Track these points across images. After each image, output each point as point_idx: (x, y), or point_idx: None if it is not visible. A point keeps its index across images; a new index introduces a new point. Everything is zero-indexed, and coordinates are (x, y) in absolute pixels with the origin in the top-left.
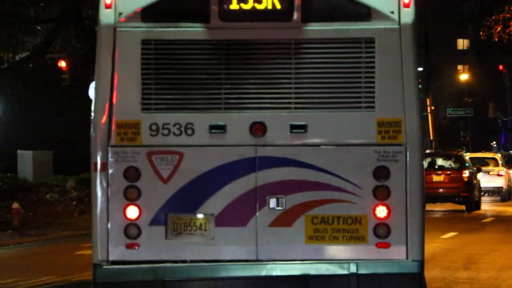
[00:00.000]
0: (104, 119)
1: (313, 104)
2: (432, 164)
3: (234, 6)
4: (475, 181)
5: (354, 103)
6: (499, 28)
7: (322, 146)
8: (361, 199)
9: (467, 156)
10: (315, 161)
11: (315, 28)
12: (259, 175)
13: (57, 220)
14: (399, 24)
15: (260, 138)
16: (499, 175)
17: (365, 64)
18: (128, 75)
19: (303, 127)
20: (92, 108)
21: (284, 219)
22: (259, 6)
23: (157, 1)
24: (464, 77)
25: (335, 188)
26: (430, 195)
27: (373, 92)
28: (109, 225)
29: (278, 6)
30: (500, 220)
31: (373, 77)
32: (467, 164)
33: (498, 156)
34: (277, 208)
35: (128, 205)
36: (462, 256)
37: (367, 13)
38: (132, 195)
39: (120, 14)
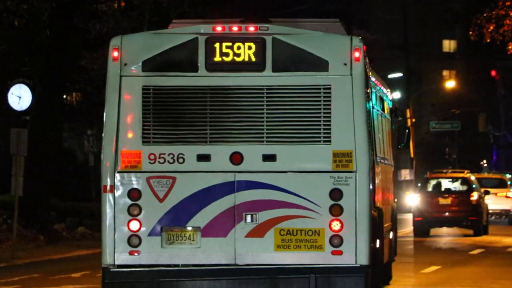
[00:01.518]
0: (112, 149)
1: (281, 138)
2: (438, 186)
3: (217, 58)
4: (483, 205)
5: (314, 138)
6: (491, 27)
7: (288, 172)
8: (319, 215)
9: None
10: (283, 184)
11: (283, 77)
12: (237, 196)
13: None
14: (351, 74)
15: (238, 166)
16: (507, 197)
17: (323, 106)
18: (131, 114)
19: (273, 157)
20: (103, 139)
21: (257, 231)
22: (237, 59)
23: (154, 54)
24: (450, 84)
25: (299, 206)
26: (437, 219)
27: (330, 129)
28: (115, 236)
29: (253, 59)
30: (490, 252)
31: (329, 117)
32: (474, 186)
33: (506, 177)
34: (251, 222)
35: (131, 220)
36: None
37: (325, 65)
38: (134, 212)
39: (125, 65)
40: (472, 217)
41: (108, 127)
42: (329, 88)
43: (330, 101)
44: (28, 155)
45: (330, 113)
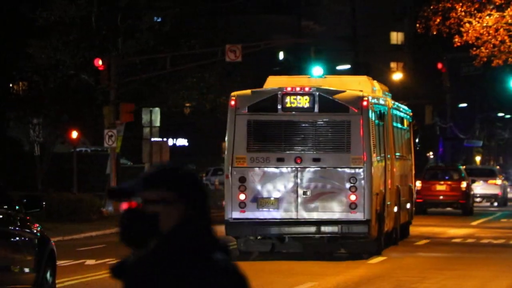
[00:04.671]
0: (230, 153)
1: (323, 149)
2: (435, 175)
3: (288, 105)
4: (470, 191)
5: (341, 149)
6: (438, 20)
7: (326, 168)
8: (344, 192)
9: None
10: (323, 175)
11: (324, 115)
12: (298, 181)
13: None
14: (362, 114)
15: (299, 164)
16: (496, 184)
17: (346, 131)
18: (241, 135)
19: (319, 160)
20: (226, 149)
21: (309, 200)
22: (299, 105)
23: (254, 103)
24: (397, 76)
25: (332, 186)
26: (433, 201)
27: (350, 144)
28: (232, 201)
29: (308, 105)
30: (435, 243)
31: (349, 137)
32: (463, 175)
33: (495, 168)
34: (306, 196)
35: (240, 193)
36: (391, 283)
37: (347, 109)
38: (242, 189)
39: (238, 109)
40: (462, 201)
41: (229, 142)
42: (349, 122)
43: (350, 129)
44: None
45: (350, 135)
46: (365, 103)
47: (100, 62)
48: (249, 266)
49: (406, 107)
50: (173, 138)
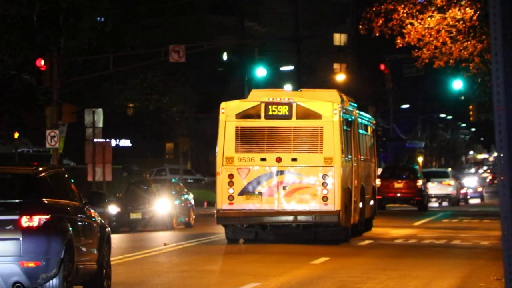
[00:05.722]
0: (220, 154)
1: (299, 150)
2: (393, 174)
3: (270, 113)
4: (426, 189)
5: (315, 150)
6: (380, 21)
7: (303, 166)
8: (317, 187)
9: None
10: (300, 172)
11: (301, 121)
12: (279, 178)
13: None
14: (332, 121)
15: (279, 163)
16: (449, 184)
17: (320, 135)
18: (230, 138)
19: (296, 159)
20: (217, 151)
21: (288, 194)
22: (280, 113)
23: (241, 111)
24: (341, 77)
25: (308, 182)
26: (392, 197)
27: (322, 146)
28: (222, 195)
29: (287, 113)
30: (377, 243)
31: (322, 140)
32: (419, 175)
33: (448, 170)
34: (285, 190)
35: (229, 187)
36: (334, 284)
37: (320, 116)
38: (230, 184)
39: (227, 115)
40: (418, 197)
41: (219, 145)
42: (322, 127)
43: (322, 133)
44: None
45: (322, 139)
46: (335, 111)
47: (42, 62)
48: (195, 267)
49: (370, 116)
50: (116, 139)
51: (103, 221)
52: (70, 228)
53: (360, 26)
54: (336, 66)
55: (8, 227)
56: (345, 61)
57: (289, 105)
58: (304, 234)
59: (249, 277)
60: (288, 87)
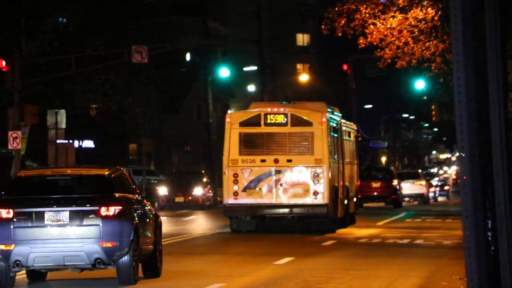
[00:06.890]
0: (226, 156)
1: (294, 152)
2: (370, 174)
3: (269, 121)
4: (400, 188)
5: (307, 152)
6: (343, 22)
7: (297, 166)
8: (309, 183)
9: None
10: (295, 171)
11: (295, 128)
12: (276, 176)
13: None
14: (322, 127)
15: (276, 164)
16: (421, 184)
17: (311, 139)
18: (234, 143)
19: (291, 160)
20: (224, 154)
21: (284, 190)
22: (277, 121)
23: (244, 119)
24: (304, 77)
25: (301, 180)
26: (369, 196)
27: (313, 149)
28: (228, 191)
29: (283, 121)
30: (341, 243)
31: (313, 144)
32: (394, 175)
33: (420, 171)
34: (282, 186)
35: (234, 185)
36: (298, 284)
37: (311, 124)
38: (235, 182)
39: (232, 124)
40: (393, 196)
41: (225, 149)
42: (313, 133)
43: (313, 138)
44: None
45: (313, 143)
46: (324, 119)
47: (4, 63)
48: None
49: (352, 124)
50: (79, 140)
51: (155, 211)
52: (136, 216)
53: (323, 26)
54: (299, 66)
55: (91, 216)
56: (308, 61)
57: (285, 114)
58: (299, 225)
59: (213, 278)
60: (251, 87)
